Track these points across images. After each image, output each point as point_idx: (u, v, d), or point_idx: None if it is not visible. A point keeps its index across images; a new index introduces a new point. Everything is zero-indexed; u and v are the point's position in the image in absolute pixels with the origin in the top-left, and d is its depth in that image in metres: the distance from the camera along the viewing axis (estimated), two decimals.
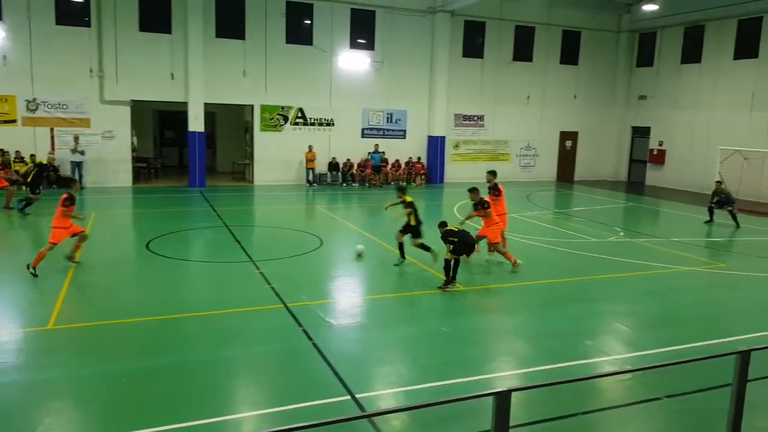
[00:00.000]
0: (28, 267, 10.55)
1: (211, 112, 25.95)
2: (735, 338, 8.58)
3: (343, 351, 7.96)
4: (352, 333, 8.65)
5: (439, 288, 10.50)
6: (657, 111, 28.36)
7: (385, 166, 25.86)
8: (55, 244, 10.88)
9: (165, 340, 8.18)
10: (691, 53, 26.64)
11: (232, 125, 27.68)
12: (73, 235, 11.36)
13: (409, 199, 12.16)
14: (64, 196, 11.23)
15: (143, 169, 24.49)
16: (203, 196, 20.92)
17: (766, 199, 22.61)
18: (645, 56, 29.09)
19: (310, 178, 24.46)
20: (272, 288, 10.31)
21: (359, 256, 12.66)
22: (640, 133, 29.61)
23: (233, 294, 10.30)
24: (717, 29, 25.34)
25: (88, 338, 8.14)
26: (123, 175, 22.66)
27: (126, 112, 22.39)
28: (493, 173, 13.17)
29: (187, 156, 24.21)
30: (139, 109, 23.75)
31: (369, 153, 25.70)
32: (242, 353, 7.78)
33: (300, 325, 8.62)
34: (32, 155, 20.44)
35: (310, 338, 8.12)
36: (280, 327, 8.65)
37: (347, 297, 10.39)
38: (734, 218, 17.87)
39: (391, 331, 8.79)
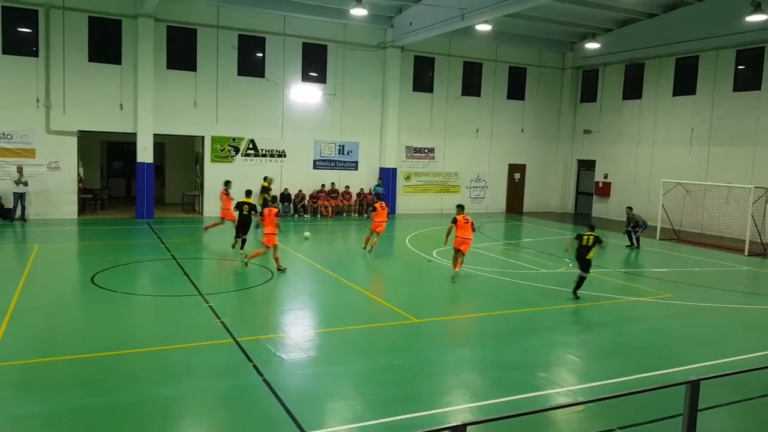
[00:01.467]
0: (245, 263, 14.13)
1: (161, 143, 25.49)
2: (685, 368, 8.73)
3: (294, 386, 7.75)
4: (304, 368, 8.45)
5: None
6: (601, 145, 29.37)
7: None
8: (270, 246, 14.14)
9: (109, 377, 7.79)
10: (632, 90, 27.82)
11: (182, 156, 27.26)
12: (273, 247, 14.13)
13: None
14: (275, 210, 14.52)
15: (89, 201, 23.74)
16: (151, 228, 20.36)
17: (708, 231, 23.49)
18: (588, 92, 30.22)
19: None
20: (221, 322, 10.02)
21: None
22: (586, 166, 30.56)
23: (181, 329, 9.95)
24: (656, 67, 26.58)
25: (29, 376, 7.71)
26: (68, 207, 21.91)
27: (73, 142, 21.75)
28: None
29: (135, 187, 23.61)
30: (86, 139, 23.19)
31: (374, 186, 26.49)
32: (190, 390, 7.49)
33: (250, 360, 8.36)
34: None
35: (260, 374, 7.88)
36: (229, 362, 8.38)
37: (298, 331, 10.17)
38: (638, 240, 20.06)
39: (344, 365, 8.62)
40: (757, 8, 18.87)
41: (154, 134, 22.62)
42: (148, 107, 22.17)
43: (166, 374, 7.96)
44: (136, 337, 9.45)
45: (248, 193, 16.83)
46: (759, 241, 20.18)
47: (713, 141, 24.26)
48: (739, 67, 23.51)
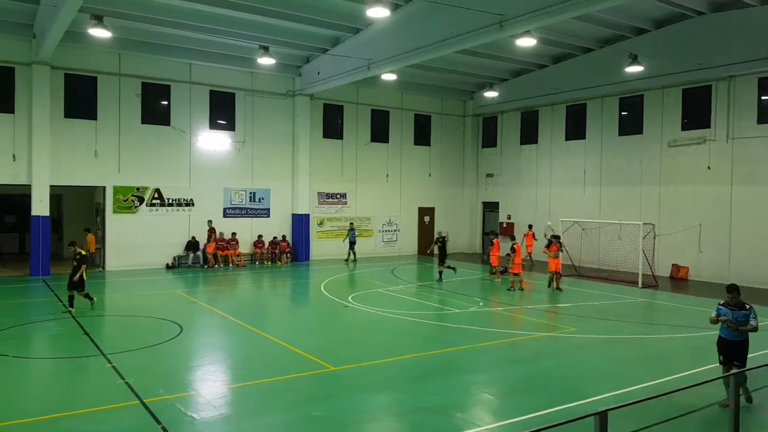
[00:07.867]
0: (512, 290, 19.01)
1: (58, 195, 24.20)
2: (592, 399, 9.10)
3: None
4: (217, 427, 8.11)
5: None
6: (503, 187, 30.77)
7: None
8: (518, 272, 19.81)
9: None
10: (529, 135, 29.52)
11: (81, 208, 25.93)
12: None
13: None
14: (519, 246, 19.82)
15: None
16: (47, 286, 19.09)
17: (604, 266, 24.89)
18: (489, 138, 31.76)
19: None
20: (126, 383, 9.47)
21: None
22: (490, 207, 31.82)
23: (81, 392, 9.32)
24: (549, 114, 28.39)
25: None
26: None
27: None
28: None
29: (30, 242, 22.12)
30: None
31: (348, 231, 27.37)
32: None
33: (158, 422, 7.94)
34: None
35: None
36: (135, 426, 7.92)
37: (210, 387, 9.78)
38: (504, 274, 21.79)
39: (259, 421, 8.36)
40: (635, 60, 20.78)
41: (51, 185, 21.45)
42: (43, 157, 21.07)
43: None
44: (29, 406, 8.72)
45: (72, 243, 16.00)
46: (651, 273, 21.64)
47: (604, 181, 26.01)
48: (623, 113, 25.53)
